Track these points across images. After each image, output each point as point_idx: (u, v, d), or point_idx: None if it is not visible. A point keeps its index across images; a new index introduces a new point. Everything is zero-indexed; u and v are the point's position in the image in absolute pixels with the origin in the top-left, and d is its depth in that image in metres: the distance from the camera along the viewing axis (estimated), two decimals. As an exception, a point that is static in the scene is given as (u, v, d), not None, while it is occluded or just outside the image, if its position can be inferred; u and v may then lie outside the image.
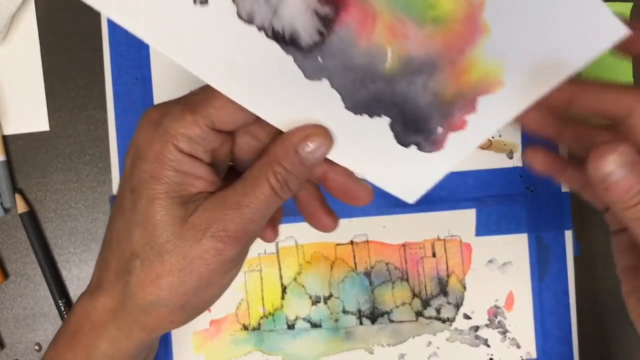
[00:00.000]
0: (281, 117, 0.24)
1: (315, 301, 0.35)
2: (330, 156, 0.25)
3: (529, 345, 0.35)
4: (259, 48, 0.23)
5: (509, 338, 0.35)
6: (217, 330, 0.35)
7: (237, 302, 0.35)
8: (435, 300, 0.35)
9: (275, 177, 0.24)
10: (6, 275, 0.36)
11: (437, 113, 0.24)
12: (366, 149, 0.25)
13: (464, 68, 0.23)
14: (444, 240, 0.36)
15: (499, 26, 0.22)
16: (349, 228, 0.35)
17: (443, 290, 0.35)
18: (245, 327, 0.35)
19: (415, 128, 0.25)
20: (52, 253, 0.36)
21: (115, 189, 0.35)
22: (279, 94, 0.24)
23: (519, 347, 0.35)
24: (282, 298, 0.35)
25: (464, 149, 0.25)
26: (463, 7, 0.22)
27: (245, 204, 0.24)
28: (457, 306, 0.35)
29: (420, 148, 0.25)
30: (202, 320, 0.35)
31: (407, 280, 0.35)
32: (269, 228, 0.28)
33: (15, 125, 0.36)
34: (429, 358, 0.35)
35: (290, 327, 0.35)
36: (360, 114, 0.24)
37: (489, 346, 0.35)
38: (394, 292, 0.35)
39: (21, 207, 0.35)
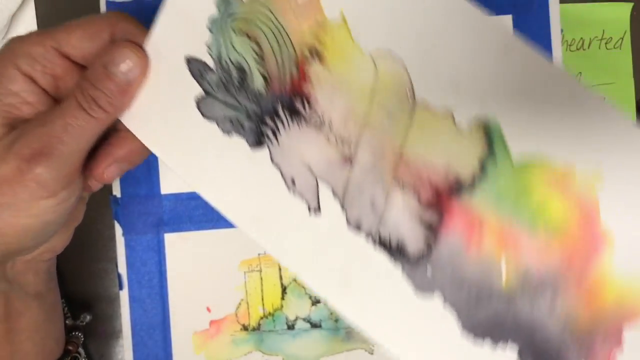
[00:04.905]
0: (391, 335, 0.22)
1: (315, 301, 0.35)
2: None
3: (529, 345, 0.35)
4: (367, 257, 0.23)
5: (509, 338, 0.35)
6: (217, 331, 0.35)
7: (236, 302, 0.35)
8: (435, 300, 0.35)
9: (81, 92, 0.23)
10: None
11: (574, 345, 0.20)
12: None
13: (594, 286, 0.20)
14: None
15: (625, 234, 0.19)
16: (349, 228, 0.35)
17: (443, 291, 0.35)
18: (245, 328, 0.35)
19: None
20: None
21: (115, 188, 0.35)
22: (389, 307, 0.22)
23: (519, 347, 0.35)
24: (282, 298, 0.35)
25: None
26: (575, 211, 0.20)
27: (50, 120, 0.23)
28: (457, 306, 0.35)
29: None
30: (202, 321, 0.35)
31: (407, 280, 0.35)
32: (100, 161, 0.26)
33: (15, 125, 0.36)
34: (429, 358, 0.35)
35: (290, 327, 0.35)
36: (482, 338, 0.21)
37: (489, 346, 0.35)
38: (394, 292, 0.35)
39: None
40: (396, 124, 0.22)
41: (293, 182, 0.24)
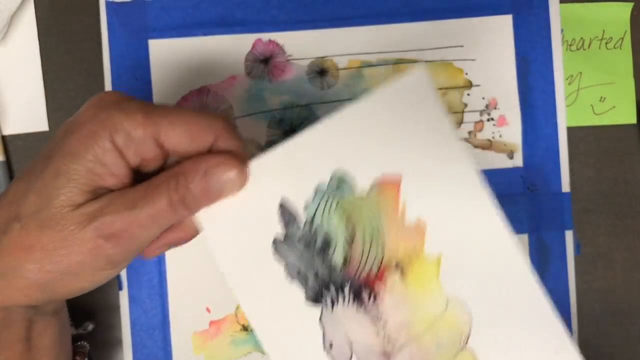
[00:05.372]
0: None
1: (315, 302, 0.35)
2: None
3: (530, 345, 0.35)
4: None
5: (509, 338, 0.35)
6: (217, 331, 0.35)
7: (236, 302, 0.35)
8: (436, 300, 0.35)
9: (176, 189, 0.24)
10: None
11: None
12: None
13: None
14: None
15: None
16: (349, 228, 0.35)
17: (443, 291, 0.35)
18: (245, 328, 0.35)
19: None
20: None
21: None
22: None
23: (519, 347, 0.35)
24: (282, 298, 0.35)
25: None
26: None
27: (139, 206, 0.23)
28: (458, 307, 0.35)
29: None
30: (202, 321, 0.35)
31: (407, 280, 0.35)
32: (153, 244, 0.26)
33: (15, 125, 0.36)
34: (429, 358, 0.35)
35: (290, 327, 0.35)
36: None
37: (489, 346, 0.35)
38: (394, 292, 0.35)
39: (20, 208, 0.35)
40: (440, 354, 0.26)
41: (331, 346, 0.26)
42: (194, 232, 0.27)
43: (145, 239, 0.24)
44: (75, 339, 0.33)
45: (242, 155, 0.25)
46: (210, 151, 0.25)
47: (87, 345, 0.33)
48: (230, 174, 0.24)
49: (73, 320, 0.34)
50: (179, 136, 0.24)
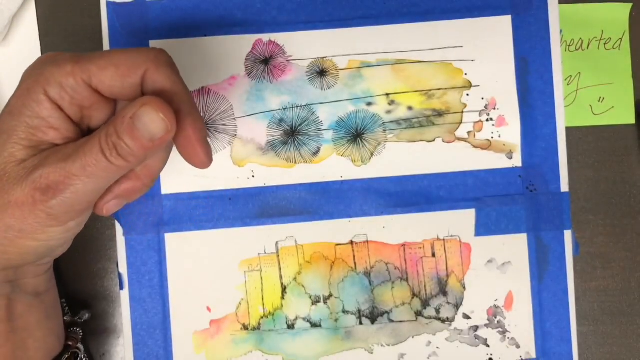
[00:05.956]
0: None
1: (315, 301, 0.35)
2: None
3: (529, 345, 0.35)
4: None
5: (508, 338, 0.35)
6: (217, 330, 0.35)
7: (237, 302, 0.35)
8: (435, 300, 0.36)
9: (105, 138, 0.23)
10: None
11: None
12: None
13: None
14: (444, 240, 0.36)
15: None
16: (349, 228, 0.35)
17: (443, 290, 0.36)
18: (245, 327, 0.35)
19: None
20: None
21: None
22: None
23: (518, 347, 0.35)
24: (282, 298, 0.35)
25: None
26: None
27: (72, 158, 0.23)
28: (457, 306, 0.36)
29: None
30: (203, 320, 0.35)
31: (406, 280, 0.36)
32: (102, 196, 0.26)
33: (16, 125, 0.36)
34: (428, 358, 0.35)
35: (290, 327, 0.35)
36: None
37: (488, 346, 0.35)
38: (394, 292, 0.36)
39: (22, 207, 0.35)
40: None
41: None
42: (148, 181, 0.26)
43: (84, 191, 0.24)
44: (69, 325, 0.34)
45: (175, 93, 0.24)
46: (144, 93, 0.25)
47: (80, 331, 0.34)
48: (152, 114, 0.23)
49: (72, 312, 0.34)
50: (110, 78, 0.24)
